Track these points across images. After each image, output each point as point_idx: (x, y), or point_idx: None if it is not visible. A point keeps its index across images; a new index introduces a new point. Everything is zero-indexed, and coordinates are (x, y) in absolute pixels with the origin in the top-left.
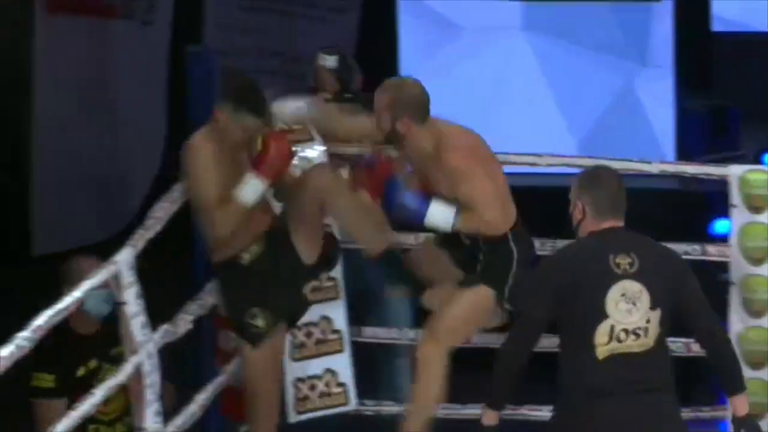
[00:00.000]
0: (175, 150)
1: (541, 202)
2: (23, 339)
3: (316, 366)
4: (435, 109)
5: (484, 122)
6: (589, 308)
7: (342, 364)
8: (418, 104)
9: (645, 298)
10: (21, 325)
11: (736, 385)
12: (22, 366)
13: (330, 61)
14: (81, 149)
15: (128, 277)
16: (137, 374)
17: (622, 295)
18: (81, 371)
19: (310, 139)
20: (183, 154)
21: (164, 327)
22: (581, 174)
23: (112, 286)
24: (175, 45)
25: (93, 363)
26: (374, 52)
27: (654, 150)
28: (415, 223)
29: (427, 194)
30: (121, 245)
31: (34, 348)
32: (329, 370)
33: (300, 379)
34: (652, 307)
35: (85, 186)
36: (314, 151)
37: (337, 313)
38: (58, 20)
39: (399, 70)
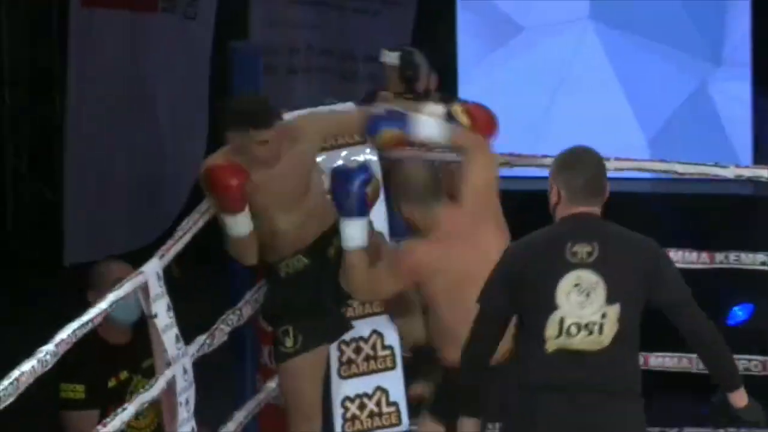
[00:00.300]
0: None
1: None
2: (46, 353)
3: (365, 384)
4: (497, 107)
5: (550, 118)
6: (539, 298)
7: (394, 382)
8: (416, 189)
9: (601, 290)
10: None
11: (732, 382)
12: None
13: (391, 57)
14: (116, 152)
15: (156, 289)
16: (170, 390)
17: (576, 285)
18: (112, 382)
19: (361, 143)
20: (200, 177)
21: (200, 339)
22: (559, 155)
23: (140, 298)
24: (219, 41)
25: (124, 374)
26: (431, 48)
27: (729, 152)
28: (338, 210)
29: (369, 209)
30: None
31: (62, 358)
32: (380, 388)
33: (348, 398)
34: (610, 302)
35: (121, 191)
36: (364, 155)
37: (389, 327)
38: (93, 14)
39: (457, 66)
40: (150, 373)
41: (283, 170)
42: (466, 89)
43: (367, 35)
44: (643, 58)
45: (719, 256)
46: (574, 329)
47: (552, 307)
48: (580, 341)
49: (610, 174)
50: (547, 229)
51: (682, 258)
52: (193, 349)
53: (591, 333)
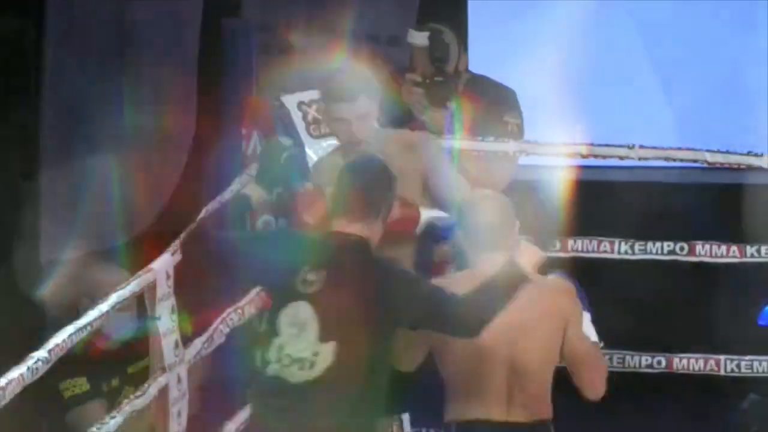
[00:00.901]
0: (207, 140)
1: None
2: (38, 360)
3: None
4: (512, 87)
5: (570, 98)
6: (269, 321)
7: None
8: (479, 234)
9: (313, 327)
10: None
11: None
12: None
13: (419, 38)
14: (96, 139)
15: (164, 288)
16: (161, 398)
17: (292, 316)
18: (105, 387)
19: None
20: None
21: (197, 342)
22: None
23: (145, 297)
24: (209, 18)
25: (115, 381)
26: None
27: (764, 136)
28: None
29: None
30: (140, 250)
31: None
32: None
33: None
34: (322, 340)
35: (100, 182)
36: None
37: None
38: None
39: (467, 43)
40: (135, 380)
41: None
42: (477, 69)
43: (371, 12)
44: (676, 28)
45: (750, 250)
46: (287, 360)
47: (275, 331)
48: (292, 374)
49: (633, 163)
50: (309, 239)
51: (710, 251)
52: (189, 354)
53: (302, 368)
